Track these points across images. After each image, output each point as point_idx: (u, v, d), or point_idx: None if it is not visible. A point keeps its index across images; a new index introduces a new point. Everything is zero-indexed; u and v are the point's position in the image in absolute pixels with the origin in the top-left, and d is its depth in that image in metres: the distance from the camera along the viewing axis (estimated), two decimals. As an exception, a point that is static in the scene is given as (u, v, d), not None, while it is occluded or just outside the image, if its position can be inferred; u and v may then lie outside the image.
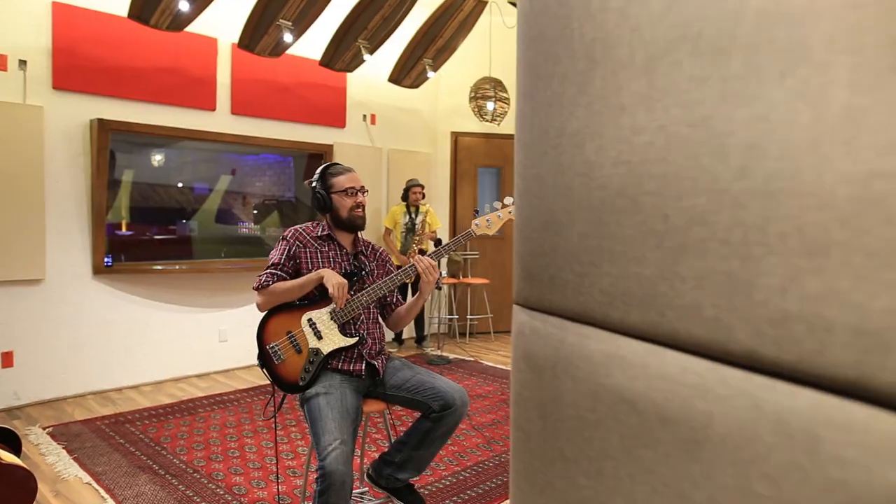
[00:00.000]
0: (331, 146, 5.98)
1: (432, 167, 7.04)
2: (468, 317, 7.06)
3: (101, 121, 4.53)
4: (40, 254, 4.36)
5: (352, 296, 2.42)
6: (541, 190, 0.78)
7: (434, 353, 6.17)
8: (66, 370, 4.55)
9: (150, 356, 4.97)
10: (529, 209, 0.81)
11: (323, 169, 2.58)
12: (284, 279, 2.42)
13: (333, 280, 2.35)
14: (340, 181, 2.52)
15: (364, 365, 2.43)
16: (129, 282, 4.86)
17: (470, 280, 6.87)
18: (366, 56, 5.49)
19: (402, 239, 6.25)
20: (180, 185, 5.99)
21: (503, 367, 5.66)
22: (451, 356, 5.98)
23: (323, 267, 2.47)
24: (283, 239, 2.50)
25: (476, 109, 6.54)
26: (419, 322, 6.45)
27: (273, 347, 2.37)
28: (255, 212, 6.44)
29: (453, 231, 7.16)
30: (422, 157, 6.92)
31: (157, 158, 5.61)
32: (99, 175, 4.56)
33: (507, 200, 2.55)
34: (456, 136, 7.15)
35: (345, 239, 2.57)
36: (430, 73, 6.13)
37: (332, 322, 2.40)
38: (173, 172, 6.03)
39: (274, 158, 6.55)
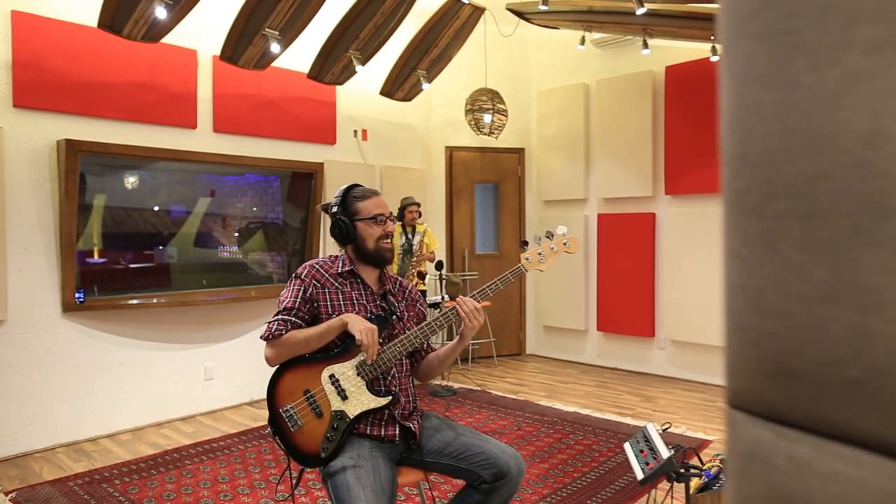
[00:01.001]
0: (321, 164, 5.58)
1: (426, 183, 6.67)
2: (470, 342, 6.65)
3: (69, 142, 4.07)
4: (0, 291, 3.87)
5: (382, 345, 2.03)
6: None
7: (436, 383, 5.76)
8: (33, 422, 4.05)
9: (128, 400, 4.48)
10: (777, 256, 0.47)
11: (345, 191, 2.19)
12: (300, 327, 2.02)
13: (361, 326, 1.96)
14: (367, 207, 2.14)
15: (397, 428, 2.03)
16: (104, 318, 4.38)
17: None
18: (357, 67, 5.11)
19: (398, 261, 5.85)
20: (156, 208, 5.53)
21: (513, 396, 5.28)
22: (456, 385, 5.58)
23: (346, 311, 2.07)
24: (295, 278, 2.10)
25: (473, 122, 6.20)
26: (419, 349, 6.04)
27: (288, 411, 1.95)
28: (237, 235, 6.00)
29: (450, 252, 6.78)
30: (416, 174, 6.54)
31: (131, 181, 5.15)
32: (68, 201, 4.10)
33: (561, 230, 2.18)
34: (451, 151, 6.80)
35: (369, 275, 2.18)
36: (425, 85, 5.78)
37: (358, 378, 2.00)
38: (148, 195, 5.56)
39: (256, 178, 6.11)
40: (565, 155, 6.62)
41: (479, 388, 5.51)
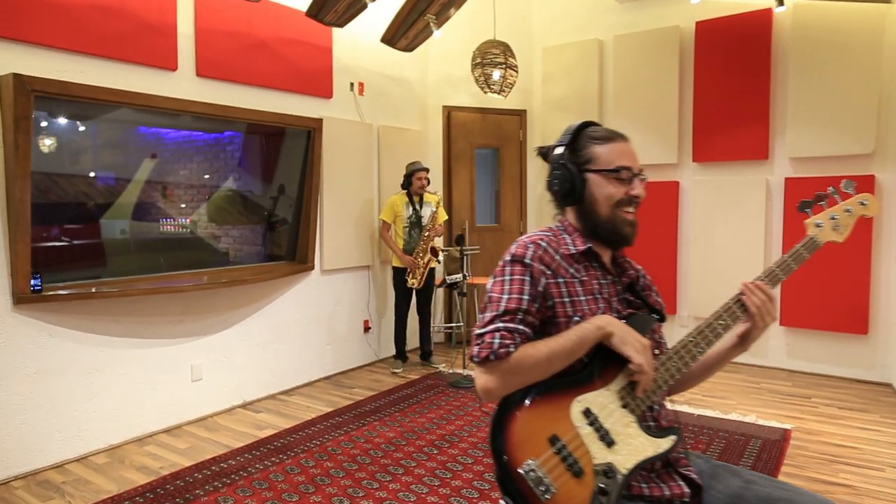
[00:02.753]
0: (320, 121, 4.72)
1: (423, 147, 5.93)
2: (455, 324, 6.03)
3: (18, 78, 3.05)
4: (-68, 280, 2.86)
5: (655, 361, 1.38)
6: None
7: (448, 371, 5.12)
8: (-18, 450, 3.08)
9: (101, 413, 3.56)
10: None
11: (578, 128, 1.51)
12: (529, 338, 1.33)
13: (631, 339, 1.31)
14: (607, 154, 1.47)
15: (684, 483, 1.39)
16: (68, 311, 3.41)
17: (474, 280, 5.85)
18: (369, 2, 4.28)
19: (404, 236, 5.11)
20: (91, 174, 4.50)
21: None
22: (469, 373, 4.96)
23: (591, 311, 1.40)
24: (514, 262, 1.40)
25: (482, 78, 5.50)
26: (425, 334, 5.36)
27: (532, 472, 1.26)
28: (210, 205, 5.06)
29: (449, 224, 6.10)
30: (412, 136, 5.78)
31: (87, 132, 4.10)
32: (18, 158, 3.09)
33: (847, 186, 1.59)
34: (448, 111, 6.07)
35: (605, 256, 1.51)
36: (437, 32, 5.00)
37: (625, 412, 1.34)
38: (80, 156, 4.53)
39: (209, 136, 5.16)
40: (574, 118, 5.99)
41: (503, 377, 4.92)
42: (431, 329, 5.47)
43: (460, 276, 4.76)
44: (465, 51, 5.92)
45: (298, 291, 4.73)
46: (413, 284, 5.05)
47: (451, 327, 6.02)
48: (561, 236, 1.49)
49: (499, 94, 5.61)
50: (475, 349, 1.31)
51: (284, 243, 4.95)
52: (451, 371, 5.13)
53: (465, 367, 4.92)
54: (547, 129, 6.25)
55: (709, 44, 5.28)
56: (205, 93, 3.98)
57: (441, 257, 5.02)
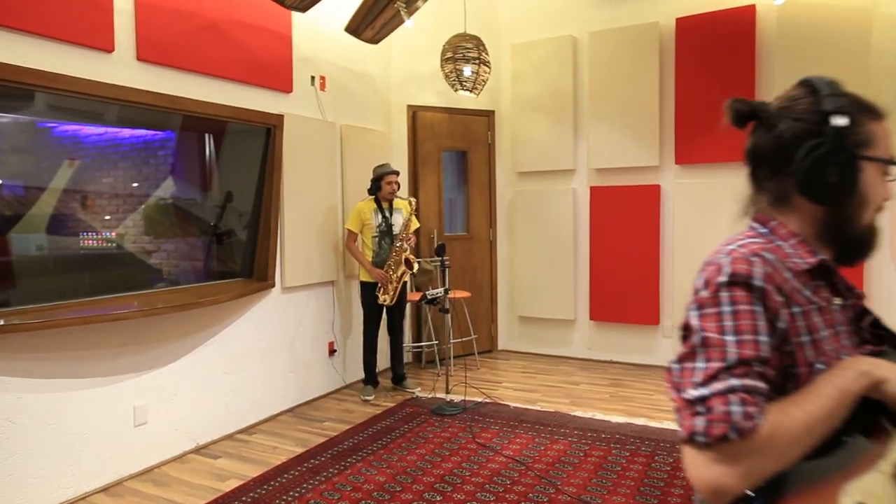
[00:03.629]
0: (281, 118, 4.14)
1: (387, 149, 5.42)
2: (452, 341, 5.56)
3: None
4: None
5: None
6: None
7: (426, 395, 4.62)
8: None
9: (21, 475, 2.84)
10: None
11: (833, 86, 1.03)
12: (767, 397, 0.88)
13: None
14: (883, 135, 1.01)
15: None
16: (-24, 350, 2.70)
17: (455, 294, 5.38)
18: (340, -15, 3.76)
19: (373, 246, 4.59)
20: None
21: (535, 407, 4.31)
22: (457, 398, 4.48)
23: (834, 350, 0.96)
24: (735, 285, 0.93)
25: (453, 74, 5.06)
26: (398, 355, 4.84)
27: None
28: (115, 217, 4.40)
29: (417, 234, 5.61)
30: (376, 137, 5.27)
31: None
32: None
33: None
34: (414, 111, 5.59)
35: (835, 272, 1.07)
36: (408, 21, 4.52)
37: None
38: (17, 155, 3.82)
39: (137, 139, 4.51)
40: (547, 119, 5.72)
41: (489, 400, 4.47)
42: (404, 345, 4.95)
43: (441, 290, 4.28)
44: (431, 46, 5.48)
45: (257, 313, 4.12)
46: (385, 301, 4.54)
47: (420, 346, 5.51)
48: (776, 244, 1.04)
49: (471, 91, 5.19)
50: (697, 424, 0.84)
51: (238, 258, 4.32)
52: (429, 396, 4.63)
53: (447, 392, 4.43)
54: (518, 131, 5.88)
55: (690, 41, 5.05)
56: (148, 80, 3.34)
57: (416, 269, 4.52)
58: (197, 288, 3.86)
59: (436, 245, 4.24)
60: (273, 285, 4.20)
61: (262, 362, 4.16)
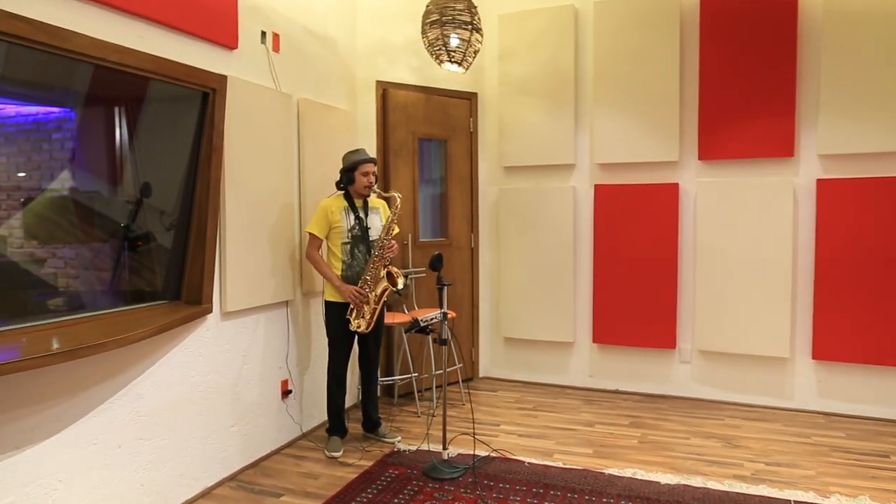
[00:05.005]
0: (222, 80, 3.01)
1: (352, 133, 4.35)
2: (437, 373, 4.56)
3: None
4: None
5: None
6: None
7: (410, 448, 3.59)
8: None
9: None
10: None
11: None
12: None
13: None
14: None
15: None
16: None
17: (420, 312, 4.38)
18: None
19: (344, 256, 3.53)
20: None
21: (558, 464, 3.38)
22: (454, 451, 3.47)
23: None
24: None
25: (439, 42, 4.07)
26: (371, 395, 3.79)
27: None
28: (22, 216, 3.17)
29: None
30: (340, 117, 4.20)
31: None
32: None
33: None
34: (384, 89, 4.55)
35: None
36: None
37: None
38: None
39: (24, 118, 3.28)
40: (542, 104, 4.81)
41: (494, 454, 3.49)
42: (377, 381, 3.90)
43: (437, 314, 3.26)
44: (404, 10, 4.48)
45: (187, 349, 2.98)
46: (359, 327, 3.48)
47: (392, 379, 4.47)
48: None
49: (459, 64, 4.21)
50: None
51: (158, 271, 3.15)
52: (413, 448, 3.60)
53: (445, 446, 3.41)
54: (506, 118, 4.95)
55: (718, 14, 4.28)
56: (35, 8, 2.16)
57: (402, 285, 3.48)
58: (101, 319, 2.67)
59: (434, 255, 3.22)
60: (209, 310, 3.06)
61: (194, 417, 3.02)
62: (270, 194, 3.49)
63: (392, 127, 4.53)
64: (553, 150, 4.79)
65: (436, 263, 3.22)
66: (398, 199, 3.49)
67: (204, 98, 2.94)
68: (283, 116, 3.59)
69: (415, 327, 3.20)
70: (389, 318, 4.05)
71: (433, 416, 4.15)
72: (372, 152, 4.45)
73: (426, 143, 4.86)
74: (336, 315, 3.54)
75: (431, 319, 3.22)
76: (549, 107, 4.78)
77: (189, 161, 2.99)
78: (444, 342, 3.23)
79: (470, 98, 4.99)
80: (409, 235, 4.60)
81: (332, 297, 3.54)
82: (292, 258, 3.70)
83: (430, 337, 3.54)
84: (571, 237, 4.76)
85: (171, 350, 2.88)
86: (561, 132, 4.76)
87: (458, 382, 4.76)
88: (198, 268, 2.99)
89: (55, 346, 2.23)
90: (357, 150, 3.58)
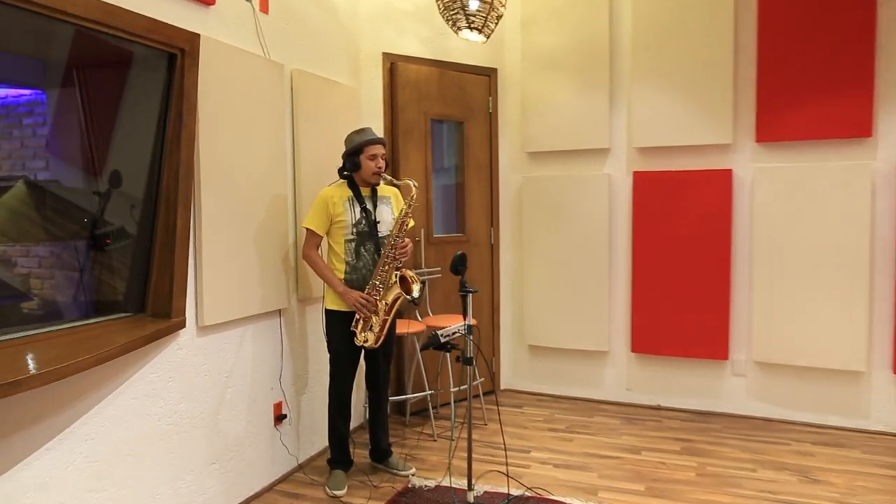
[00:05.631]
0: (194, 39, 2.42)
1: (356, 112, 3.77)
2: (452, 389, 4.00)
3: None
4: None
5: None
6: None
7: (428, 484, 3.02)
8: None
9: None
10: None
11: None
12: None
13: None
14: None
15: None
16: None
17: (436, 320, 3.80)
18: None
19: (348, 256, 2.95)
20: None
21: (601, 504, 2.81)
22: (479, 489, 2.89)
23: None
24: None
25: (456, 5, 3.48)
26: (381, 420, 3.22)
27: None
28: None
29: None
30: (343, 93, 3.61)
31: None
32: None
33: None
34: (392, 63, 3.96)
35: None
36: None
37: None
38: None
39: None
40: (571, 81, 4.22)
41: (529, 493, 2.92)
42: (388, 405, 3.33)
43: (460, 326, 2.68)
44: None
45: (154, 373, 2.41)
46: (366, 342, 2.91)
47: (405, 398, 3.90)
48: None
49: (479, 31, 3.62)
50: None
51: (125, 278, 2.57)
52: (431, 484, 3.03)
53: (470, 485, 2.84)
54: (530, 96, 4.35)
55: (781, -28, 3.68)
56: None
57: (418, 292, 2.89)
58: (43, 339, 2.10)
59: (455, 255, 2.64)
60: (181, 324, 2.49)
61: (162, 456, 2.45)
62: (258, 183, 2.90)
63: (401, 106, 3.94)
64: (584, 132, 4.20)
65: (458, 265, 2.63)
66: (414, 188, 2.90)
67: (171, 62, 2.36)
68: (273, 90, 3.00)
69: (433, 344, 2.62)
70: (402, 327, 3.47)
71: (454, 441, 3.58)
72: (379, 133, 3.86)
73: (439, 125, 4.28)
74: (338, 326, 2.96)
75: (453, 334, 2.64)
76: (580, 82, 4.19)
77: (154, 143, 2.41)
78: (468, 361, 2.65)
79: (489, 74, 4.40)
80: (422, 231, 4.02)
81: (334, 304, 2.97)
82: (285, 259, 3.12)
83: (455, 355, 2.96)
84: (606, 232, 4.17)
85: (132, 376, 2.31)
86: (593, 112, 4.16)
87: (478, 396, 4.19)
88: (166, 274, 2.41)
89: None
90: (363, 130, 2.99)
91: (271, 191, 3.00)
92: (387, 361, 3.14)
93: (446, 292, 4.17)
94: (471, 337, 2.65)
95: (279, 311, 3.12)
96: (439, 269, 4.10)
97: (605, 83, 4.13)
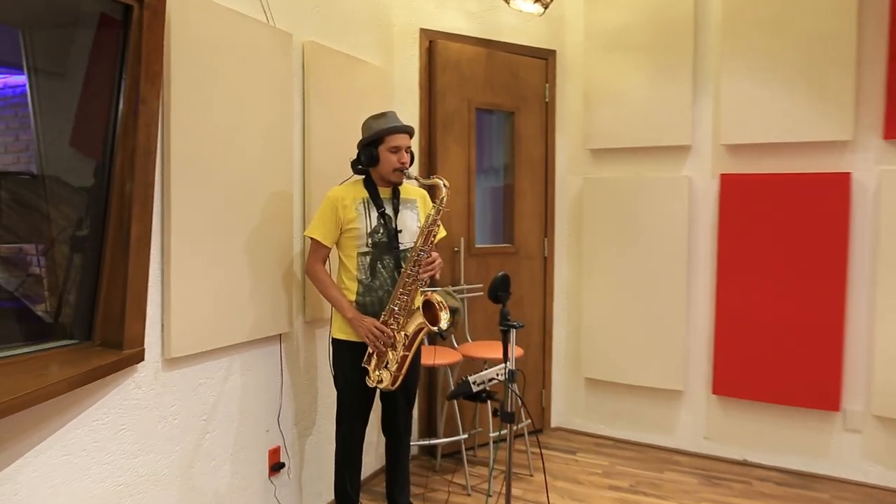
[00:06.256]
0: (159, -13, 1.87)
1: (386, 97, 3.17)
2: (492, 434, 3.37)
3: None
4: None
5: None
6: None
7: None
8: None
9: None
10: None
11: None
12: None
13: None
14: None
15: None
16: None
17: (474, 348, 3.17)
18: None
19: (361, 273, 2.34)
20: None
21: None
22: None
23: None
24: None
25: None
26: (400, 471, 2.59)
27: None
28: None
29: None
30: (370, 74, 3.01)
31: None
32: None
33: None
34: (431, 41, 3.35)
35: None
36: None
37: None
38: None
39: None
40: (645, 64, 3.51)
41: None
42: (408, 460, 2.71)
43: (500, 369, 2.03)
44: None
45: (99, 420, 1.87)
46: (380, 382, 2.30)
47: (434, 442, 3.27)
48: None
49: (537, 1, 2.98)
50: None
51: (72, 296, 2.03)
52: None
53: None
54: (594, 83, 3.67)
55: (926, -79, 2.88)
56: None
57: (447, 323, 2.26)
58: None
59: (496, 277, 2.00)
60: (138, 357, 1.94)
61: (112, 526, 1.90)
62: (253, 178, 2.34)
63: (441, 92, 3.33)
64: (661, 125, 3.49)
65: (498, 290, 2.00)
66: (444, 189, 2.28)
67: (126, 16, 1.81)
68: (277, 64, 2.44)
69: (463, 393, 1.99)
70: (429, 357, 2.85)
71: (490, 499, 2.93)
72: (414, 124, 3.26)
73: (486, 116, 3.64)
74: (348, 360, 2.37)
75: (490, 380, 2.00)
76: (656, 67, 3.48)
77: (107, 123, 1.87)
78: (509, 418, 2.00)
79: (546, 57, 3.74)
80: (462, 240, 3.40)
81: (343, 333, 2.37)
82: (288, 273, 2.55)
83: (494, 406, 2.32)
84: (684, 246, 3.44)
85: (65, 424, 1.77)
86: (672, 101, 3.45)
87: (523, 436, 3.53)
88: (117, 292, 1.87)
89: None
90: (383, 115, 2.39)
91: (271, 188, 2.43)
92: (408, 404, 2.52)
93: (489, 313, 3.53)
94: (513, 385, 2.00)
95: (279, 336, 2.55)
96: (481, 285, 3.46)
97: (688, 66, 3.41)
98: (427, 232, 2.27)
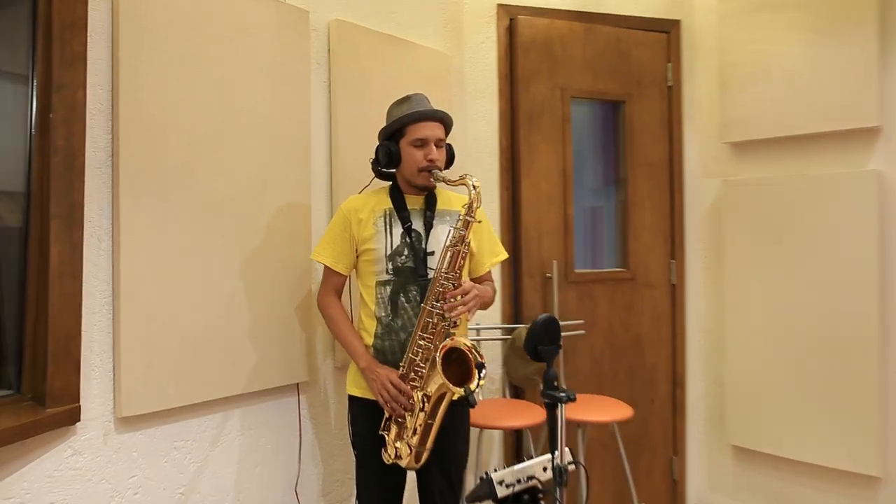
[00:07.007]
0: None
1: (448, 88, 2.58)
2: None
3: None
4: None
5: None
6: None
7: None
8: None
9: None
10: None
11: None
12: None
13: None
14: None
15: None
16: None
17: (570, 408, 2.42)
18: None
19: (380, 308, 1.74)
20: None
21: None
22: None
23: None
24: None
25: None
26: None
27: None
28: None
29: (513, 267, 2.71)
30: (427, 62, 2.45)
31: None
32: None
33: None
34: (512, 18, 2.73)
35: None
36: None
37: None
38: None
39: None
40: (807, 27, 2.58)
41: None
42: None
43: (545, 461, 1.32)
44: None
45: (19, 496, 1.45)
46: (398, 459, 1.67)
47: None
48: None
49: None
50: None
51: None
52: None
53: None
54: (734, 58, 2.79)
55: None
56: None
57: (482, 379, 1.59)
58: None
59: (536, 321, 1.32)
60: (73, 416, 1.51)
61: None
62: (254, 188, 1.87)
63: (524, 79, 2.68)
64: (833, 104, 2.52)
65: (537, 341, 1.30)
66: (473, 189, 1.63)
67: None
68: (290, 48, 1.97)
69: (485, 496, 1.30)
70: (480, 417, 2.17)
71: None
72: (491, 121, 2.66)
73: (587, 108, 2.92)
74: (364, 421, 1.78)
75: (528, 479, 1.29)
76: (823, 28, 2.54)
77: (26, 120, 1.49)
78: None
79: (668, 29, 2.94)
80: (554, 263, 2.68)
81: (357, 388, 1.79)
82: (307, 307, 2.03)
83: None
84: (875, 269, 2.42)
85: (-36, 505, 1.38)
86: (849, 71, 2.48)
87: (644, 520, 2.68)
88: (40, 335, 1.46)
89: None
90: (407, 99, 1.81)
91: (280, 200, 1.95)
92: (451, 487, 1.84)
93: (596, 356, 2.76)
94: (561, 488, 1.27)
95: (296, 385, 2.03)
96: (582, 322, 2.71)
97: (871, 22, 2.43)
98: (454, 252, 1.63)
